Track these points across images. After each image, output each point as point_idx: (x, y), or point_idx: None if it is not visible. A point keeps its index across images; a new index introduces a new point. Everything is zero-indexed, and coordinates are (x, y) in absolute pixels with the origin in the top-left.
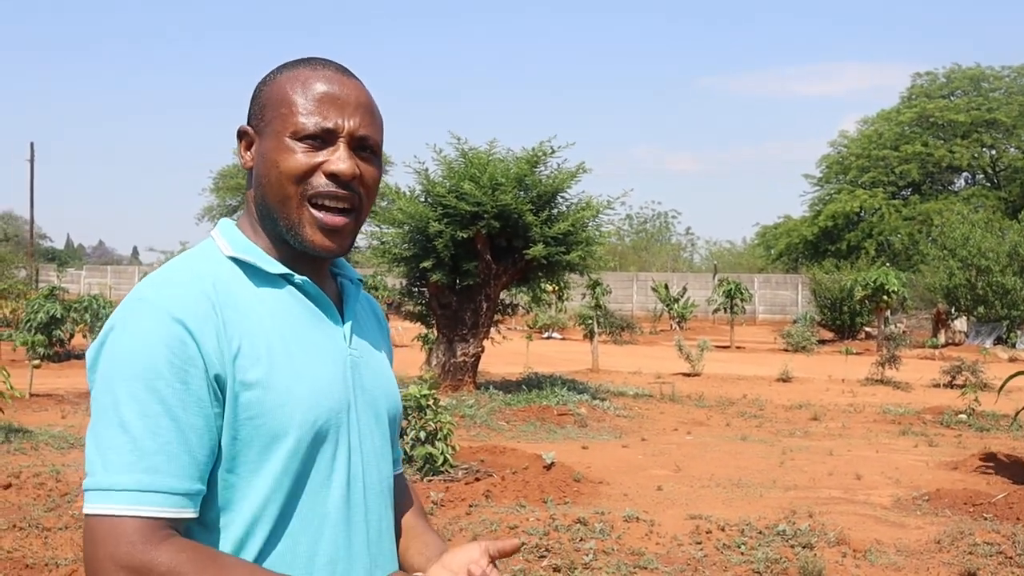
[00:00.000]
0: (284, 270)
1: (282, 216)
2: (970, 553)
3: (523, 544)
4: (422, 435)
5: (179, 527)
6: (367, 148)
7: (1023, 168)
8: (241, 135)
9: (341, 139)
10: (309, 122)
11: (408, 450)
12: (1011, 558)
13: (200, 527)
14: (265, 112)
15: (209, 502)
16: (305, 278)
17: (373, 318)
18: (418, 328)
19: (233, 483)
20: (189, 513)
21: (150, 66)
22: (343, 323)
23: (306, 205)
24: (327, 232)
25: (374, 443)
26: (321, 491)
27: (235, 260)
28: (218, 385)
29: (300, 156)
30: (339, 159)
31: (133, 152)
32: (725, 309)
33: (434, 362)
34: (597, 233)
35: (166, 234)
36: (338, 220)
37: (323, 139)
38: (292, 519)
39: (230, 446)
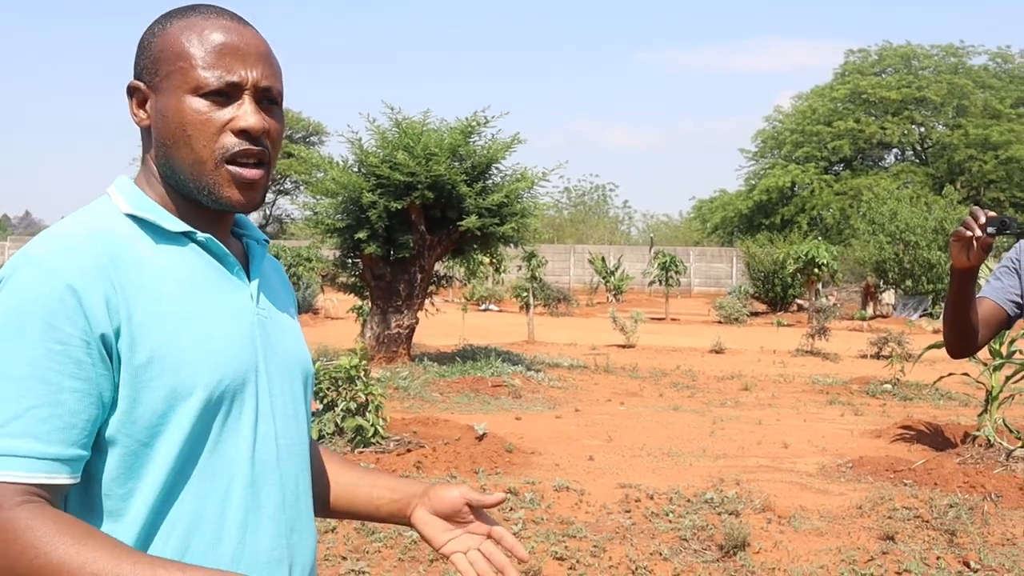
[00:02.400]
0: (186, 228)
1: (193, 177)
2: (889, 517)
3: (506, 498)
4: (352, 407)
5: (54, 494)
6: (270, 99)
7: (950, 145)
8: (132, 91)
9: (246, 92)
10: (212, 76)
11: (339, 422)
12: (928, 521)
13: (106, 496)
14: (159, 66)
15: (114, 469)
16: (209, 236)
17: (279, 280)
18: (352, 300)
19: (135, 448)
20: (63, 479)
21: (77, 31)
22: (249, 282)
23: (222, 166)
24: (243, 187)
25: (286, 404)
26: (228, 452)
27: (133, 218)
28: (104, 345)
29: (206, 115)
30: (247, 114)
31: (61, 120)
32: (661, 282)
33: (368, 334)
34: (532, 205)
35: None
36: (254, 173)
37: (227, 94)
38: (199, 481)
39: (130, 410)
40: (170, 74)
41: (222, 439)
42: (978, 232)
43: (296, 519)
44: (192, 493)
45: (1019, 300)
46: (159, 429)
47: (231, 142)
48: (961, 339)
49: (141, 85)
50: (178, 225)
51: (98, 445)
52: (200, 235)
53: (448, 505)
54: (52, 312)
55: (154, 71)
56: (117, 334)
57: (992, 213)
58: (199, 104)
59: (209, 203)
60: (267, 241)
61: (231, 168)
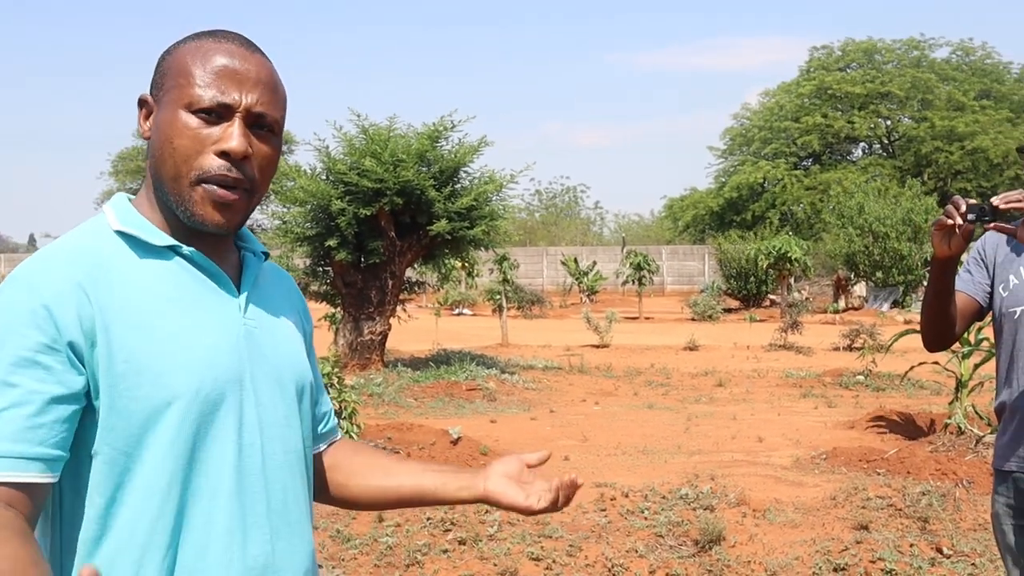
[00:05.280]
0: (171, 241)
1: (172, 191)
2: (863, 507)
3: (549, 455)
4: None
5: (30, 494)
6: (264, 126)
7: (916, 137)
8: (141, 104)
9: (237, 115)
10: (206, 95)
11: None
12: (901, 510)
13: (90, 505)
14: (164, 81)
15: (95, 476)
16: (193, 249)
17: (282, 289)
18: (324, 308)
19: (116, 457)
20: (32, 476)
21: (44, 44)
22: (239, 294)
23: (198, 185)
24: (217, 206)
25: (276, 414)
26: (213, 462)
27: (121, 234)
28: (73, 351)
29: (194, 131)
30: (231, 136)
31: (28, 135)
32: (633, 281)
33: (341, 341)
34: (502, 207)
35: (64, 220)
36: (230, 195)
37: (219, 114)
38: (184, 490)
39: (108, 418)
40: (171, 89)
41: (205, 448)
42: (959, 220)
43: (283, 527)
44: (177, 501)
45: (990, 291)
46: (140, 439)
47: (212, 164)
48: (940, 331)
49: (149, 98)
50: (163, 239)
51: (85, 453)
52: (185, 248)
53: (515, 467)
54: (24, 323)
55: (160, 86)
56: (92, 344)
57: (973, 200)
58: (190, 120)
59: (185, 220)
60: (266, 253)
61: (206, 187)
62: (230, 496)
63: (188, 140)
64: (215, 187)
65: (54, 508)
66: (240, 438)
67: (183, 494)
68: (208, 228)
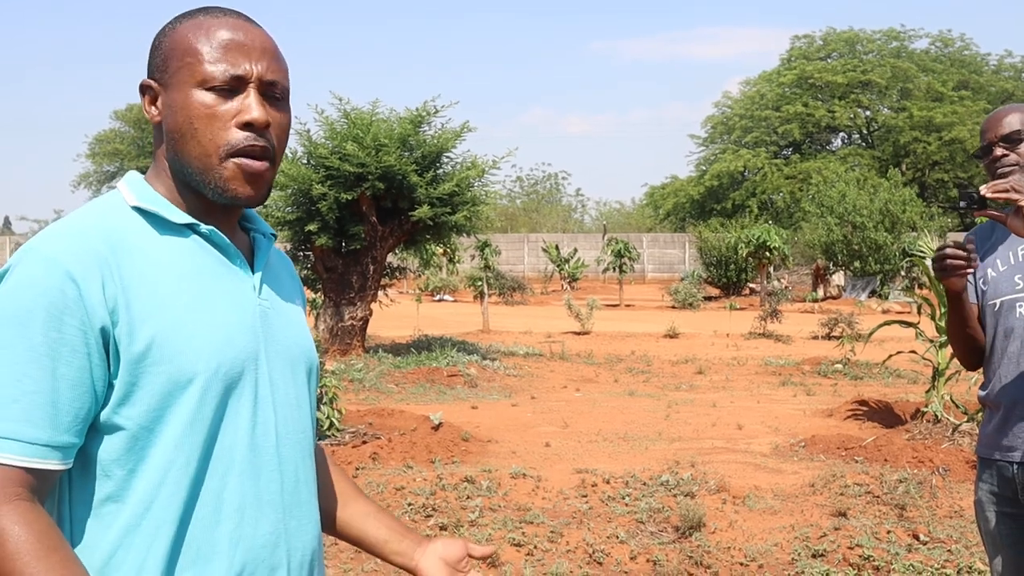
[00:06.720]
0: (189, 220)
1: (200, 170)
2: (841, 494)
3: (495, 552)
4: None
5: (44, 479)
6: (275, 94)
7: (895, 127)
8: (144, 89)
9: (251, 85)
10: (217, 70)
11: None
12: (878, 497)
13: (107, 476)
14: (169, 63)
15: (115, 451)
16: (212, 228)
17: (286, 273)
18: (306, 293)
19: (137, 432)
20: (53, 464)
21: (18, 22)
22: (252, 274)
23: (228, 159)
24: (249, 179)
25: (288, 393)
26: (227, 437)
27: (139, 210)
28: (102, 337)
29: (213, 108)
30: (251, 107)
31: (1, 116)
32: (614, 268)
33: (321, 327)
34: (483, 193)
35: (40, 203)
36: (260, 165)
37: (233, 88)
38: (199, 466)
39: (129, 394)
40: (179, 70)
41: (221, 424)
42: (971, 265)
43: (295, 505)
44: (191, 476)
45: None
46: (161, 413)
47: (237, 137)
48: (972, 348)
49: (153, 83)
50: (182, 217)
51: (96, 428)
52: (203, 227)
53: (456, 553)
54: (53, 302)
55: (164, 68)
56: (115, 323)
57: (966, 187)
58: (206, 97)
59: (215, 197)
60: (274, 235)
61: (237, 160)
62: (242, 473)
63: (208, 118)
64: (245, 159)
65: (61, 485)
66: (255, 416)
67: (199, 469)
68: (240, 202)
